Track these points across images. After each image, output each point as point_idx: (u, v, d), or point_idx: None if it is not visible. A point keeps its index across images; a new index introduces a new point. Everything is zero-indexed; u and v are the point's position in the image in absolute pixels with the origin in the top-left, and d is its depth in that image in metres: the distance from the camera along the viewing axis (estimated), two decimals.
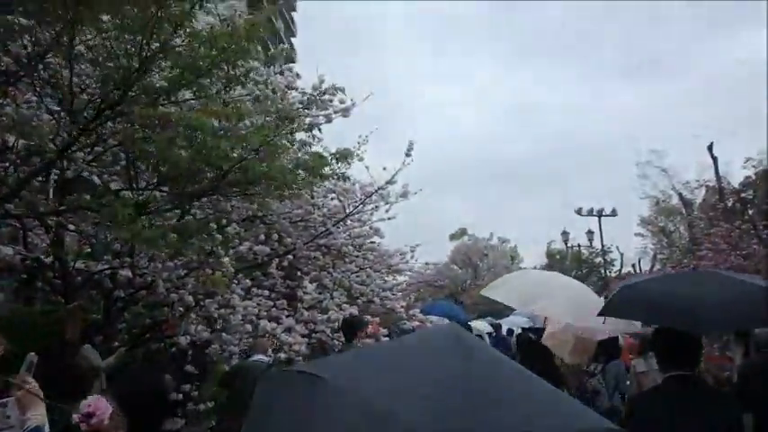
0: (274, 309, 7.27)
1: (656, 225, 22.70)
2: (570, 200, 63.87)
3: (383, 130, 8.86)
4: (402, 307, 9.03)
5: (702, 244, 13.78)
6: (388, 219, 9.00)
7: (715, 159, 20.80)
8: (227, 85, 5.45)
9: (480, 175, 70.73)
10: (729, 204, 18.33)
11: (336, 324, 7.50)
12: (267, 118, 5.42)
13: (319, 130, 7.15)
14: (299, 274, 8.29)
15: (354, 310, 8.14)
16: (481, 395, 1.57)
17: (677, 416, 3.08)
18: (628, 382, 6.29)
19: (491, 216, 75.32)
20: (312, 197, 8.41)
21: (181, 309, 6.25)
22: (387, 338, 8.65)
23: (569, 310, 5.74)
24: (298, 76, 7.88)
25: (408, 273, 11.42)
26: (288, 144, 5.86)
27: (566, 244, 27.63)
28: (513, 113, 72.44)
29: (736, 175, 19.03)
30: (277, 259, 7.81)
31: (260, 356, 6.13)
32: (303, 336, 7.39)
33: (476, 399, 1.55)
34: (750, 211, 17.45)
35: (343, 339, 7.40)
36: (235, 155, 5.02)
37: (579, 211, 24.07)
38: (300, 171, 5.84)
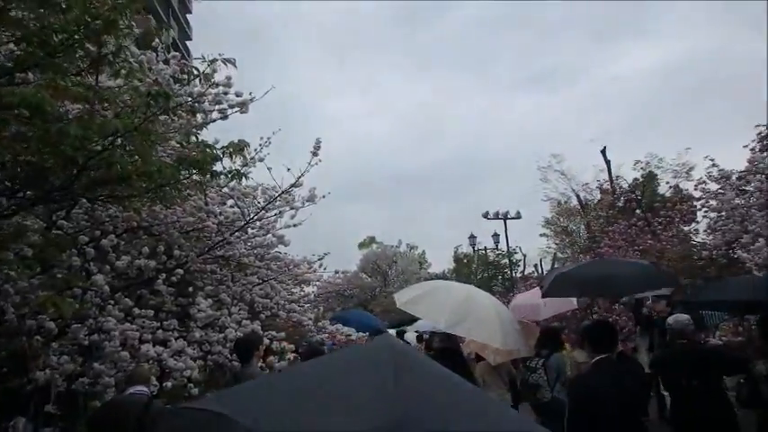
0: (160, 331, 6.29)
1: (559, 225, 23.37)
2: (479, 205, 65.76)
3: (286, 144, 8.15)
4: (310, 319, 8.28)
5: (602, 241, 14.09)
6: (294, 225, 8.22)
7: (608, 162, 21.79)
8: (91, 66, 4.52)
9: (387, 185, 71.22)
10: (621, 204, 19.16)
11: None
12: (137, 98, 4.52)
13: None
14: (191, 290, 7.33)
15: (257, 327, 7.31)
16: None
17: (608, 386, 4.13)
18: (569, 372, 6.78)
19: (399, 224, 76.26)
20: (206, 203, 7.50)
21: (39, 338, 5.17)
22: (295, 355, 7.89)
23: (496, 333, 5.79)
24: (187, 66, 6.97)
25: (317, 283, 10.69)
26: (165, 132, 4.96)
27: (473, 248, 27.97)
28: (415, 124, 73.61)
29: (629, 175, 19.93)
30: (164, 274, 6.83)
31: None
32: (196, 359, 6.47)
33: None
34: (638, 210, 18.33)
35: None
36: (99, 147, 4.10)
37: (486, 215, 24.55)
38: (185, 169, 4.98)
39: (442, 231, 63.21)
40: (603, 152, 21.70)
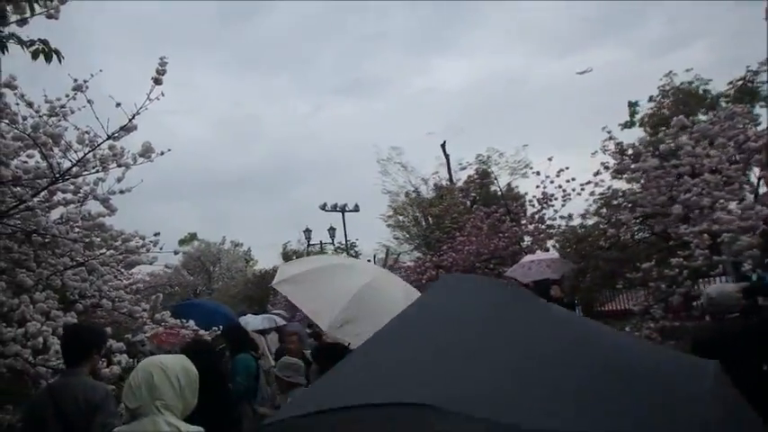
0: None
1: (394, 219, 23.30)
2: (302, 206, 64.96)
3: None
4: (144, 311, 6.51)
5: (464, 227, 13.95)
6: (122, 192, 6.36)
7: (447, 156, 22.28)
8: None
9: (206, 183, 67.01)
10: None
11: (44, 340, 4.80)
12: None
13: None
14: None
15: (72, 318, 5.46)
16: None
17: None
18: None
19: (219, 224, 72.27)
20: None
21: None
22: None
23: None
24: None
25: (148, 268, 8.74)
26: None
27: (308, 241, 26.90)
28: (233, 124, 70.44)
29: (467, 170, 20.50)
30: None
31: None
32: None
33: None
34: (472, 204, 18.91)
35: (56, 363, 4.78)
36: None
37: (324, 207, 23.71)
38: None
39: (266, 231, 61.05)
40: (443, 146, 22.11)
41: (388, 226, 22.83)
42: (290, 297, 5.38)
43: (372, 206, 48.47)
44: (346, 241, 24.26)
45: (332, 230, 24.67)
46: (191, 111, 64.68)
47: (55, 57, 3.20)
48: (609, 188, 9.91)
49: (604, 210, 10.59)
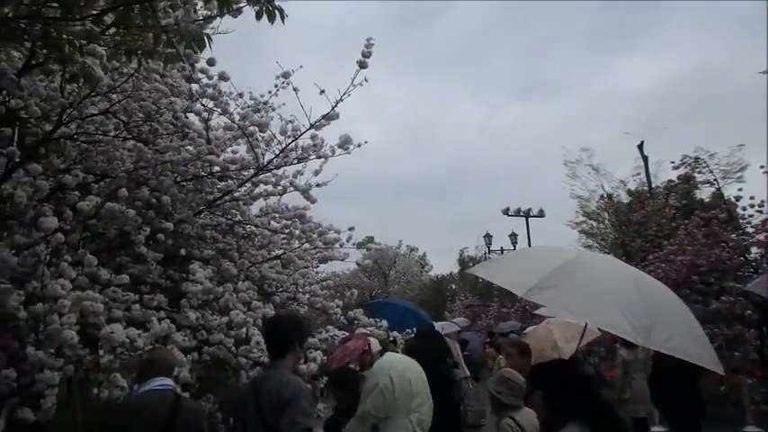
0: (138, 306, 4.33)
1: (587, 225, 21.48)
2: (472, 212, 64.27)
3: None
4: (338, 306, 6.32)
5: (673, 236, 12.29)
6: (318, 185, 6.23)
7: (645, 159, 19.97)
8: None
9: (383, 187, 69.18)
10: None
11: (246, 331, 4.70)
12: None
13: None
14: (183, 254, 5.39)
15: (269, 310, 5.37)
16: None
17: None
18: None
19: (395, 228, 74.25)
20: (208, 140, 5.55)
21: None
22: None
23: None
24: None
25: (329, 268, 8.69)
26: None
27: (488, 247, 26.02)
28: (412, 130, 71.76)
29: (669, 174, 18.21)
30: (147, 229, 4.87)
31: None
32: (187, 351, 4.52)
33: None
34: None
35: (257, 354, 4.66)
36: None
37: (506, 212, 22.76)
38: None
39: (442, 236, 61.22)
40: (641, 147, 19.89)
41: (580, 232, 21.06)
42: (488, 277, 4.58)
43: (559, 211, 45.99)
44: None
45: (513, 236, 23.51)
46: (368, 115, 67.17)
47: (278, 16, 2.88)
48: None
49: None
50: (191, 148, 5.44)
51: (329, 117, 5.40)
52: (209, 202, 5.85)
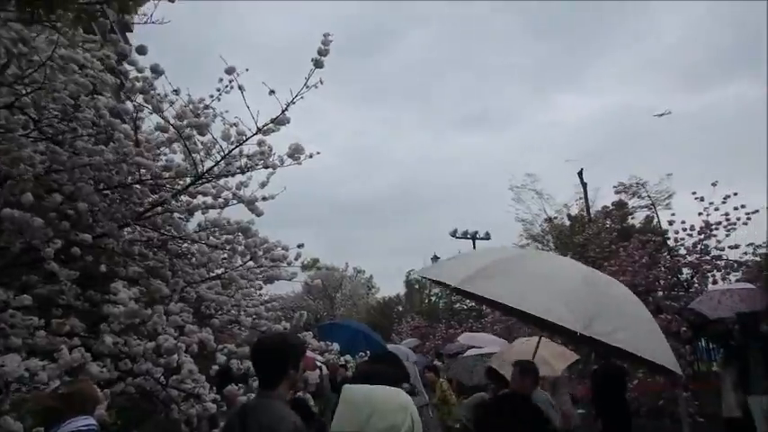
0: (42, 333, 3.61)
1: (533, 247, 21.69)
2: (436, 232, 64.52)
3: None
4: (285, 329, 5.69)
5: (611, 257, 12.58)
6: (264, 199, 5.59)
7: (584, 185, 20.50)
8: None
9: (330, 210, 68.42)
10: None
11: (177, 358, 4.02)
12: None
13: None
14: (104, 271, 4.66)
15: (207, 335, 4.71)
16: None
17: None
18: None
19: (344, 250, 73.48)
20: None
21: None
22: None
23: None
24: None
25: (286, 284, 8.01)
26: None
27: None
28: (359, 154, 71.71)
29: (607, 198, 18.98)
30: (58, 243, 4.15)
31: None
32: (105, 384, 3.82)
33: None
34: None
35: (190, 385, 4.02)
36: None
37: (454, 234, 22.72)
38: None
39: (389, 259, 60.92)
40: (580, 174, 20.41)
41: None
42: (489, 295, 4.16)
43: (504, 234, 46.58)
44: None
45: None
46: (315, 138, 66.50)
47: None
48: None
49: None
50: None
51: (279, 121, 4.85)
52: (138, 214, 5.16)
